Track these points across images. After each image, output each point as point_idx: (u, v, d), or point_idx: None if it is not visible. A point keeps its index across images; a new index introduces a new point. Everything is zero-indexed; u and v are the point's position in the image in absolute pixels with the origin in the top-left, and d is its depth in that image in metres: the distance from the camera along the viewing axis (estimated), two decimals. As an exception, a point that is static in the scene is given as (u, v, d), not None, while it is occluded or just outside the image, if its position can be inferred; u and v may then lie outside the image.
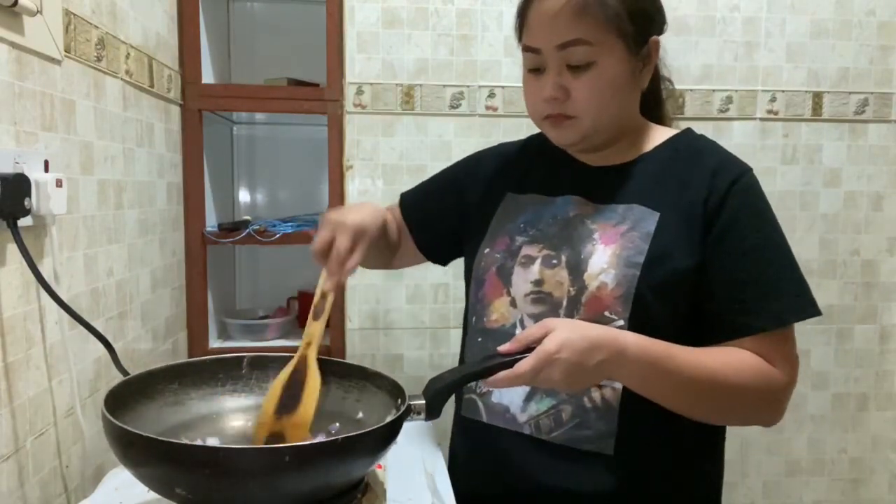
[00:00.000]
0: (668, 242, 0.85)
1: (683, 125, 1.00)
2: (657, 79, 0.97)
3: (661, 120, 0.99)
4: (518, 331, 0.89)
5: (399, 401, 0.80)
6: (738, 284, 0.84)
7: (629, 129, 0.94)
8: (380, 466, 0.87)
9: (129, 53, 1.24)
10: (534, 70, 0.89)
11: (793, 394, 0.86)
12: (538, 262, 0.90)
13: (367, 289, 1.75)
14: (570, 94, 0.86)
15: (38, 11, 0.90)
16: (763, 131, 1.80)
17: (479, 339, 0.95)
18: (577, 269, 0.87)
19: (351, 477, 0.74)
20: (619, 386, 0.85)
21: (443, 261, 1.14)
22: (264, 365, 0.91)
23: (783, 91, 1.79)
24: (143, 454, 0.67)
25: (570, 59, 0.85)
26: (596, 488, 0.87)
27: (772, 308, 0.83)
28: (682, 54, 1.75)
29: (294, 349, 0.89)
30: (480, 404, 0.95)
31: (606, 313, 0.84)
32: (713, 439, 0.94)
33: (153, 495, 0.73)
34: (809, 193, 1.82)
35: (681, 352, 0.80)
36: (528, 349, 0.77)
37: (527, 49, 0.89)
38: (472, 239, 1.02)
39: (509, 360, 0.80)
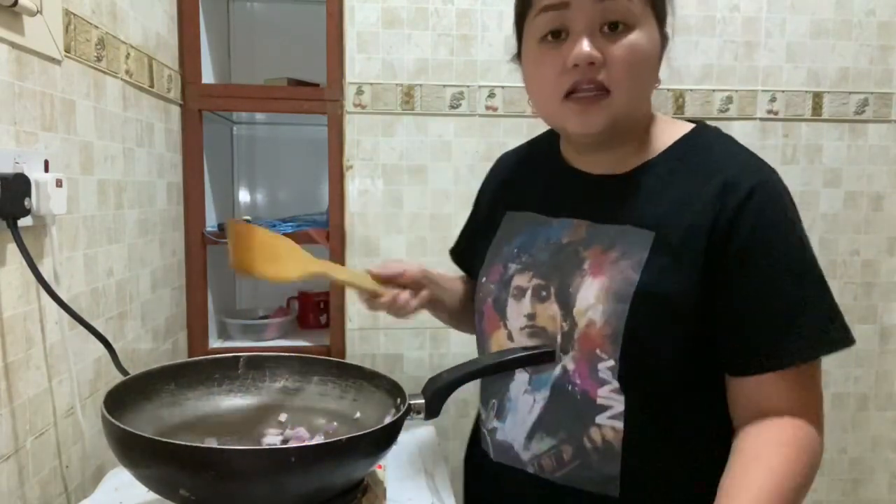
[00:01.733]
0: (662, 270, 0.76)
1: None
2: None
3: None
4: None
5: (398, 400, 0.80)
6: (750, 318, 0.74)
7: (637, 128, 0.84)
8: (380, 466, 0.87)
9: (129, 53, 1.25)
10: (551, 35, 0.77)
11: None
12: (529, 293, 0.84)
13: (367, 289, 1.75)
14: (606, 61, 0.75)
15: (38, 11, 0.90)
16: (763, 131, 1.80)
17: None
18: (566, 303, 0.81)
19: (354, 477, 0.74)
20: (620, 426, 0.78)
21: None
22: (260, 365, 0.91)
23: (783, 91, 1.79)
24: (146, 456, 0.67)
25: (608, 14, 0.74)
26: None
27: (790, 347, 0.73)
28: (682, 54, 1.75)
29: (294, 349, 0.89)
30: (489, 439, 0.90)
31: (598, 351, 0.78)
32: (713, 473, 0.80)
33: (153, 495, 0.73)
34: (809, 193, 1.82)
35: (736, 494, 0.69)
36: (526, 348, 0.79)
37: (547, 8, 0.76)
38: (478, 261, 0.97)
39: (508, 360, 0.80)
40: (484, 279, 0.91)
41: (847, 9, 1.78)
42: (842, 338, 0.74)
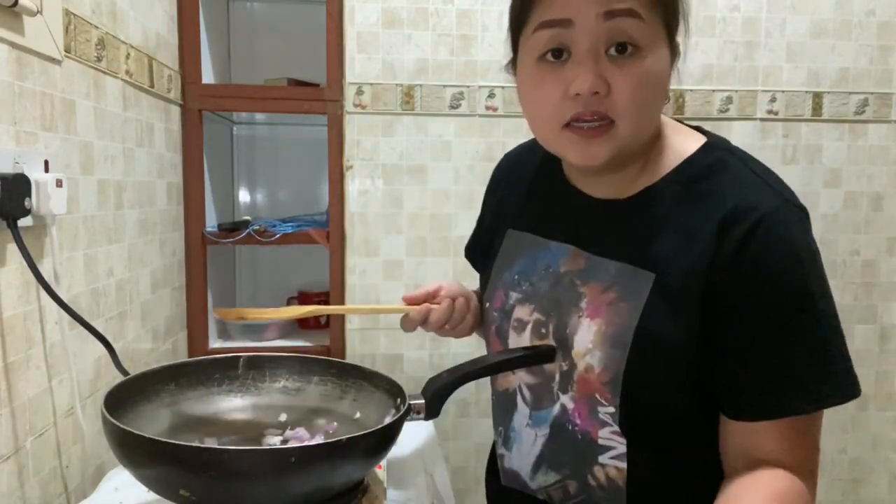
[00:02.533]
0: (661, 316, 0.71)
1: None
2: None
3: None
4: (519, 398, 0.83)
5: (398, 400, 0.80)
6: (748, 363, 0.68)
7: (643, 150, 0.76)
8: (380, 466, 0.87)
9: (129, 53, 1.25)
10: (551, 54, 0.69)
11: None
12: (529, 328, 0.82)
13: (366, 289, 1.75)
14: (611, 89, 0.67)
15: (38, 11, 0.90)
16: (763, 131, 1.80)
17: (495, 399, 0.90)
18: (564, 344, 0.77)
19: (354, 477, 0.74)
20: (623, 466, 0.75)
21: None
22: (260, 365, 0.91)
23: (783, 91, 1.79)
24: (146, 456, 0.67)
25: (616, 35, 0.66)
26: None
27: (786, 394, 0.67)
28: (682, 54, 1.75)
29: (294, 349, 0.89)
30: (499, 464, 0.89)
31: (597, 396, 0.74)
32: None
33: (153, 495, 0.73)
34: (809, 193, 1.82)
35: None
36: (526, 348, 0.78)
37: (546, 25, 0.68)
38: (483, 276, 0.95)
39: (508, 359, 0.80)
40: (487, 304, 0.89)
41: (847, 9, 1.78)
42: (843, 392, 0.67)
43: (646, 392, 0.72)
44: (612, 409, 0.73)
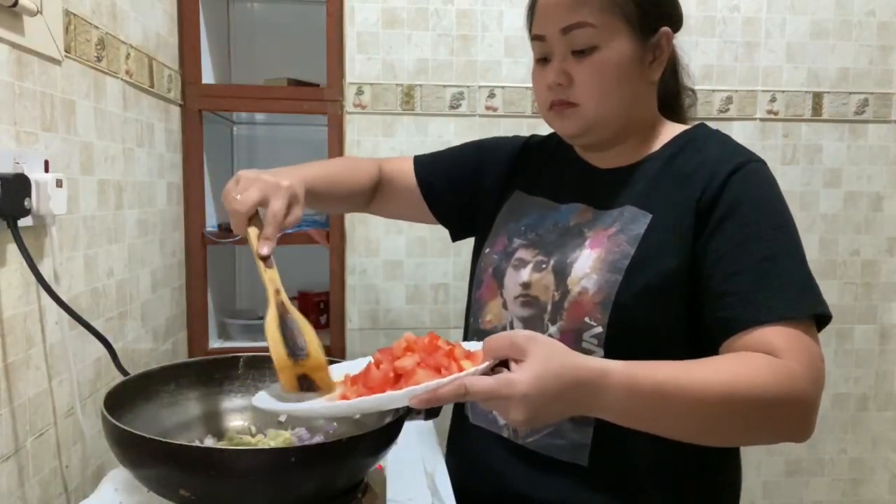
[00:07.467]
0: (656, 245, 0.81)
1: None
2: (677, 82, 0.97)
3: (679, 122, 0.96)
4: None
5: (398, 400, 0.80)
6: (733, 276, 0.76)
7: (639, 126, 0.91)
8: (380, 467, 0.87)
9: (129, 53, 1.25)
10: (541, 60, 0.89)
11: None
12: (530, 266, 0.89)
13: (367, 289, 1.75)
14: (574, 80, 0.85)
15: (38, 11, 0.90)
16: (763, 131, 1.80)
17: (476, 340, 0.94)
18: (561, 273, 0.85)
19: (354, 477, 0.74)
20: None
21: (451, 226, 1.11)
22: (261, 365, 0.91)
23: (783, 91, 1.79)
24: (146, 456, 0.67)
25: (574, 43, 0.84)
26: (571, 500, 0.84)
27: (772, 300, 0.74)
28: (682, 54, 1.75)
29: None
30: (469, 403, 0.95)
31: (587, 319, 0.82)
32: (682, 452, 0.79)
33: (153, 495, 0.73)
34: (809, 193, 1.82)
35: (679, 374, 0.69)
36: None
37: (534, 38, 0.89)
38: (479, 233, 1.03)
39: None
40: (487, 250, 0.97)
41: (847, 9, 1.78)
42: (823, 305, 0.76)
43: (633, 314, 0.80)
44: (599, 330, 0.81)
